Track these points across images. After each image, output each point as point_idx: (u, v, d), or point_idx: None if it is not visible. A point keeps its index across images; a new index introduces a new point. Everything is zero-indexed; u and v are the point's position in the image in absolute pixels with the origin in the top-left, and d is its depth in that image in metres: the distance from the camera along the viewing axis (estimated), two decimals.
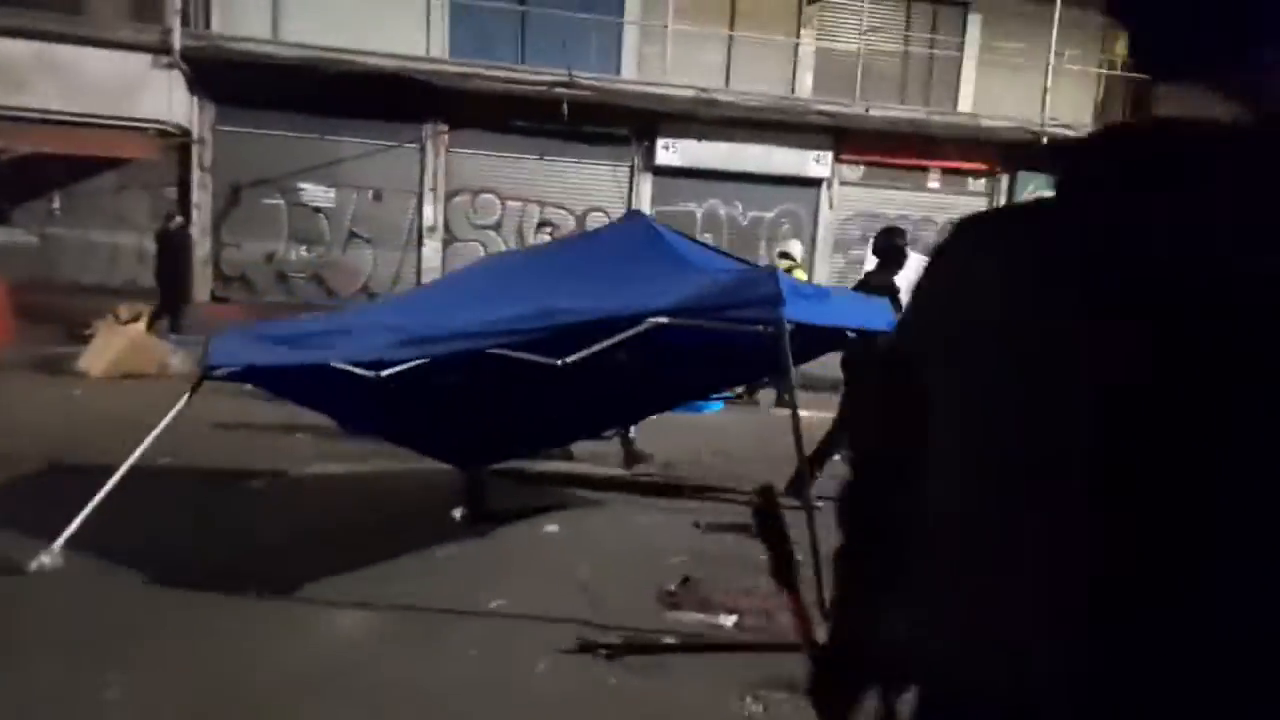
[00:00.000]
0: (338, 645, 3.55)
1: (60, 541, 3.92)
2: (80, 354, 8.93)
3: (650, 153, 13.67)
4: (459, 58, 13.00)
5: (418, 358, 4.21)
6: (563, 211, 13.44)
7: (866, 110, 13.54)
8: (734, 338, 4.54)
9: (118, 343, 8.91)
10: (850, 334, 5.13)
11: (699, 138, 13.46)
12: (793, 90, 14.12)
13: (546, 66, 12.83)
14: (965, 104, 14.63)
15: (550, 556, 4.69)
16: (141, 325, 9.25)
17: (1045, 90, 14.14)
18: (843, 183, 14.25)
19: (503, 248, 13.49)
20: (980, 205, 14.84)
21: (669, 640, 3.68)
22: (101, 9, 12.51)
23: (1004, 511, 0.89)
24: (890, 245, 5.96)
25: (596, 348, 4.30)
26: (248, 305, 12.45)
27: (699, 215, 14.02)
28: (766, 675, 3.33)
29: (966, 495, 0.93)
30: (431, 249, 13.49)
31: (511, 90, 12.69)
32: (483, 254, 13.46)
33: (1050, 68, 14.13)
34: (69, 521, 3.95)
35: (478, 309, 4.24)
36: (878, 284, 5.81)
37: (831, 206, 14.28)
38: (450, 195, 13.54)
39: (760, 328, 4.19)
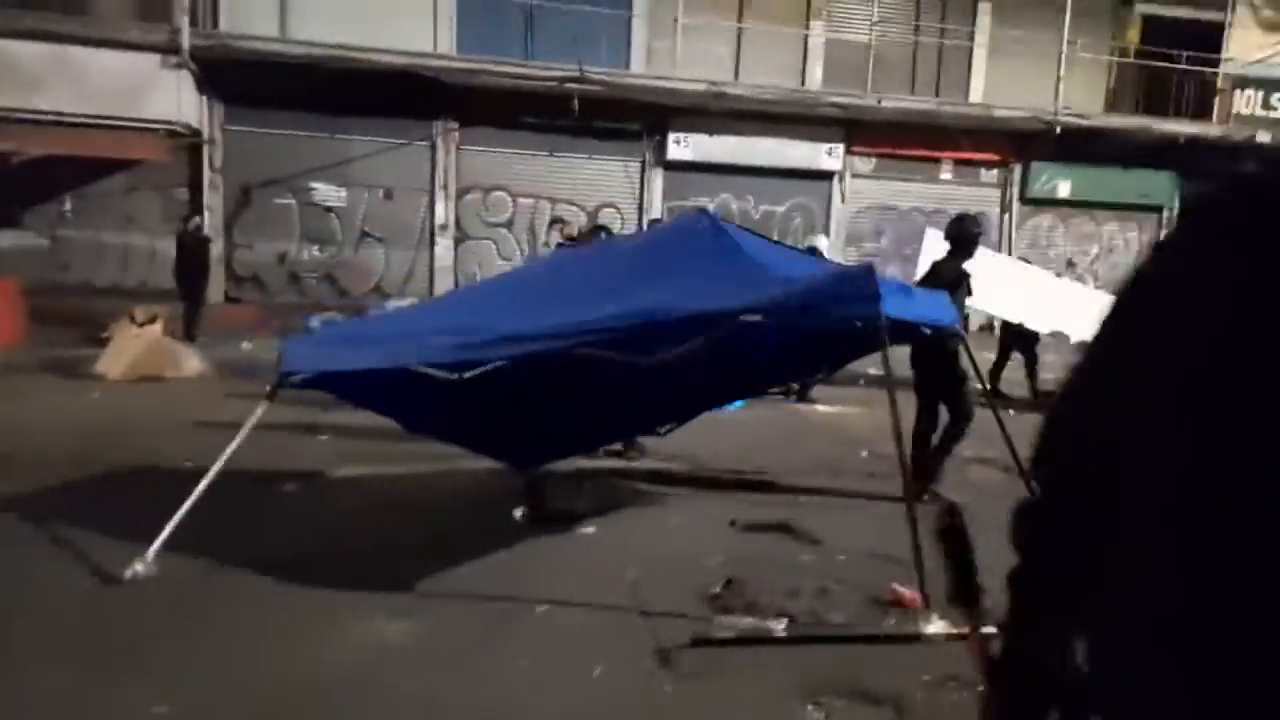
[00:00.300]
0: (397, 653, 3.51)
1: (153, 550, 3.97)
2: (96, 356, 8.88)
3: (661, 147, 13.60)
4: (467, 54, 12.92)
5: (504, 357, 4.21)
6: (573, 208, 13.37)
7: (878, 102, 13.46)
8: (809, 334, 4.73)
9: (135, 345, 8.86)
10: (925, 330, 5.18)
11: (710, 132, 13.39)
12: (803, 82, 14.05)
13: (556, 62, 12.76)
14: (976, 94, 14.56)
15: (593, 558, 4.64)
16: (158, 328, 9.20)
17: (1058, 79, 14.05)
18: (855, 175, 14.18)
19: (514, 245, 13.44)
20: (993, 197, 14.78)
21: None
22: (109, 9, 12.44)
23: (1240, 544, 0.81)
24: (962, 233, 5.93)
25: (691, 345, 4.29)
26: (261, 306, 12.40)
27: (710, 210, 13.93)
28: (826, 678, 3.29)
29: (1193, 525, 0.85)
30: (444, 247, 13.43)
31: (521, 86, 12.62)
32: (495, 252, 13.42)
33: (1063, 56, 14.05)
34: (144, 528, 4.00)
35: (560, 309, 4.21)
36: (949, 272, 5.82)
37: (844, 200, 14.21)
38: (461, 193, 13.47)
39: (856, 324, 4.38)
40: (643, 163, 13.76)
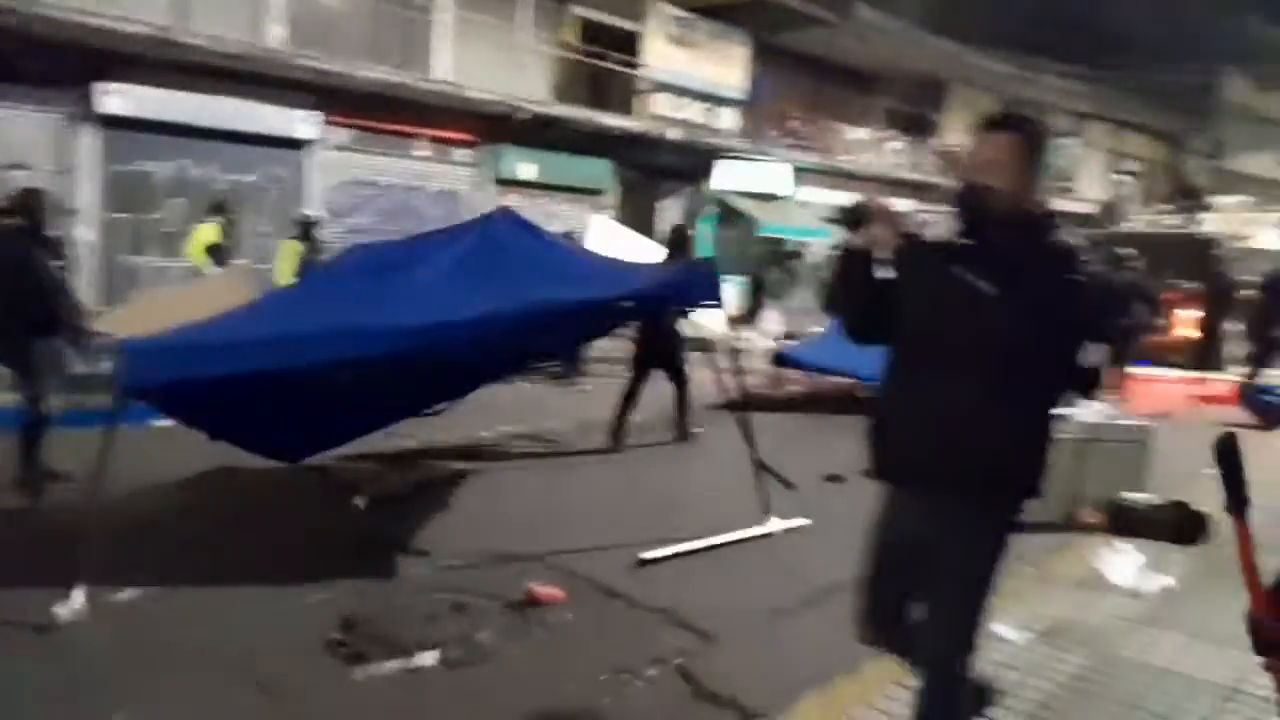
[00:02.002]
0: None
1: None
2: None
3: (89, 99, 11.21)
4: None
5: (384, 354, 4.31)
6: None
7: (353, 71, 12.84)
8: (596, 317, 5.64)
9: None
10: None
11: (160, 85, 11.43)
12: (261, 39, 12.74)
13: None
14: (443, 73, 14.71)
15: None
16: None
17: (521, 67, 14.95)
18: (333, 146, 13.41)
19: None
20: (467, 176, 15.24)
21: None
22: None
23: None
24: (679, 236, 8.28)
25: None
26: None
27: (163, 177, 11.99)
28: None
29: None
30: None
31: None
32: None
33: (521, 46, 14.97)
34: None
35: (420, 307, 4.34)
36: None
37: (322, 172, 13.35)
38: None
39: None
40: (72, 117, 11.21)
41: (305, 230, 9.87)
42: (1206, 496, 6.05)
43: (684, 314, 6.95)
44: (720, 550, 4.86)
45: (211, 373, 4.14)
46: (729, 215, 18.83)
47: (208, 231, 9.82)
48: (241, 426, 5.21)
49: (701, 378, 7.37)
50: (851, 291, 2.43)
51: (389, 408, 5.86)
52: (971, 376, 2.15)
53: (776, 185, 19.58)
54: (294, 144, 13.01)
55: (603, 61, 16.43)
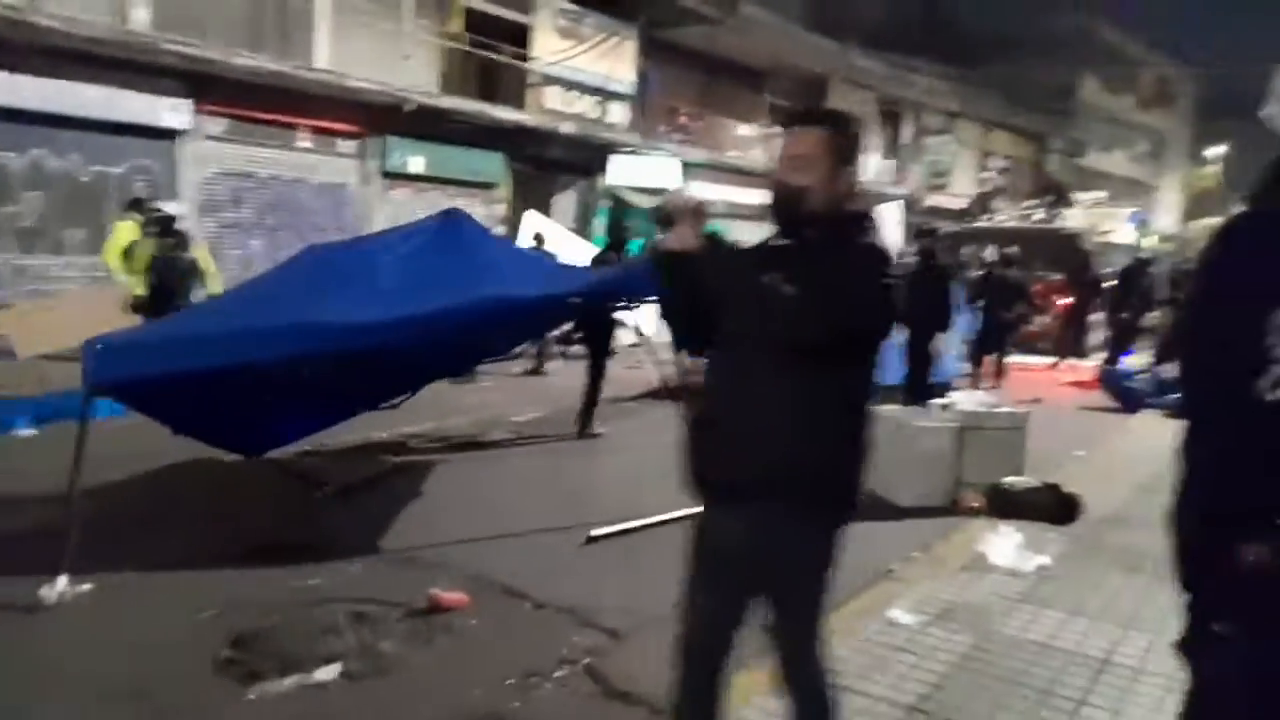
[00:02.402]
0: None
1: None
2: None
3: None
4: None
5: (355, 348, 4.50)
6: None
7: (227, 57, 12.23)
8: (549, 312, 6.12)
9: None
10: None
11: (12, 69, 10.61)
12: (124, 22, 12.00)
13: None
14: (323, 60, 14.19)
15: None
16: None
17: (406, 57, 14.56)
18: (207, 137, 12.73)
19: None
20: (352, 168, 14.76)
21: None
22: None
23: None
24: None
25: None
26: None
27: (18, 168, 11.13)
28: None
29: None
30: None
31: None
32: None
33: (406, 35, 14.58)
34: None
35: (386, 302, 4.38)
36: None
37: (195, 163, 12.67)
38: None
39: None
40: None
41: (163, 226, 9.03)
42: (1076, 478, 6.48)
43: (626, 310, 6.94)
44: (630, 543, 4.89)
45: (174, 368, 4.26)
46: (623, 209, 18.89)
47: (125, 231, 9.19)
48: (202, 421, 5.31)
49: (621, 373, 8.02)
50: (672, 296, 2.32)
51: (345, 402, 6.02)
52: (778, 382, 2.08)
53: (667, 180, 19.76)
54: (163, 134, 12.28)
55: (491, 53, 16.19)
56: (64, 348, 6.96)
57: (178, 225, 8.35)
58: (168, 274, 8.43)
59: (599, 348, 7.80)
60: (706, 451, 2.23)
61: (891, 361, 10.04)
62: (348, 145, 14.64)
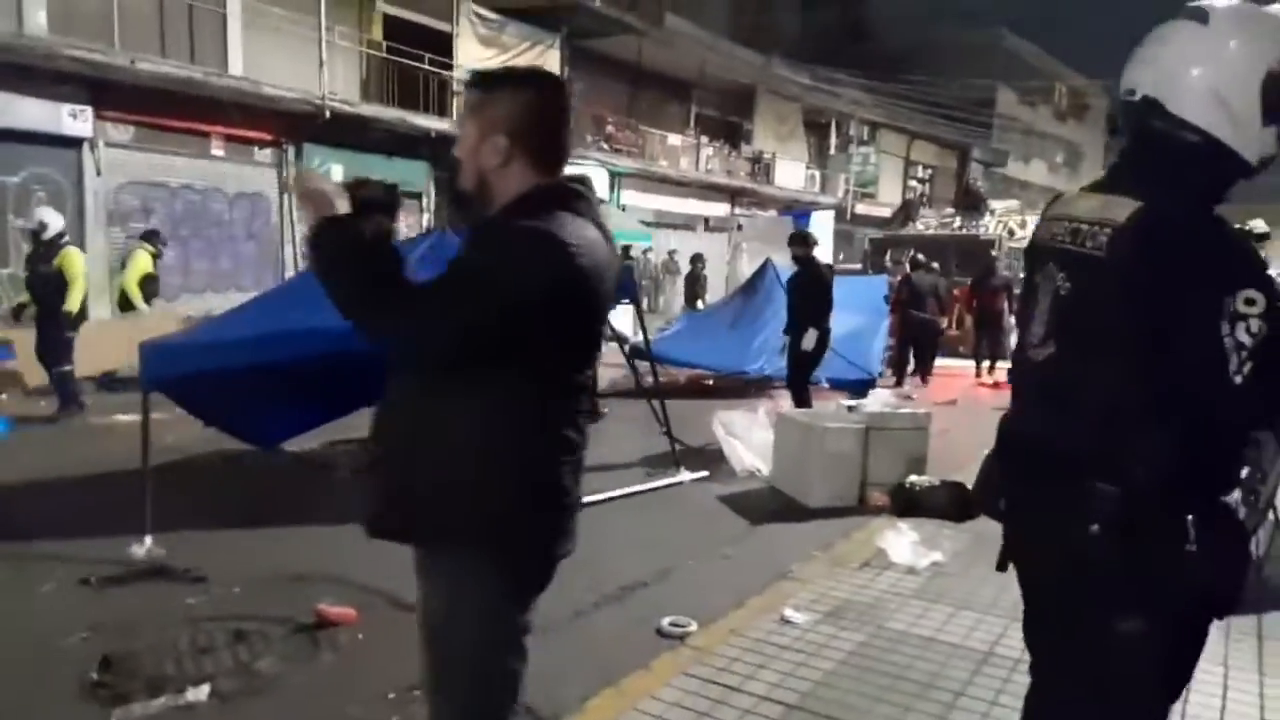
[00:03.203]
0: None
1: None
2: None
3: None
4: None
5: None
6: None
7: (132, 62, 11.86)
8: None
9: None
10: None
11: None
12: (21, 28, 11.55)
13: None
14: (236, 67, 13.87)
15: None
16: None
17: (321, 63, 14.32)
18: (110, 144, 12.31)
19: None
20: (269, 177, 14.43)
21: None
22: None
23: None
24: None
25: None
26: None
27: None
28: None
29: None
30: None
31: None
32: None
33: (323, 41, 14.34)
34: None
35: None
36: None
37: (100, 173, 12.23)
38: None
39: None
40: None
41: (33, 236, 8.27)
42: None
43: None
44: None
45: (211, 366, 4.99)
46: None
47: (144, 261, 9.82)
48: (228, 414, 6.05)
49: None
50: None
51: (347, 398, 6.50)
52: (417, 392, 1.75)
53: (596, 190, 19.78)
54: (66, 142, 11.85)
55: (412, 61, 16.01)
56: None
57: (47, 235, 7.88)
58: (37, 286, 7.95)
59: None
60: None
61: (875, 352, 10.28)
62: (264, 154, 14.32)
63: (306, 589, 4.15)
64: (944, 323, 12.99)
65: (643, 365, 10.18)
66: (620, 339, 8.68)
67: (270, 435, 6.55)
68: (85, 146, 12.04)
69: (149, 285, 9.85)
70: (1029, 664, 1.84)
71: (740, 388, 10.56)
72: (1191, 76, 1.57)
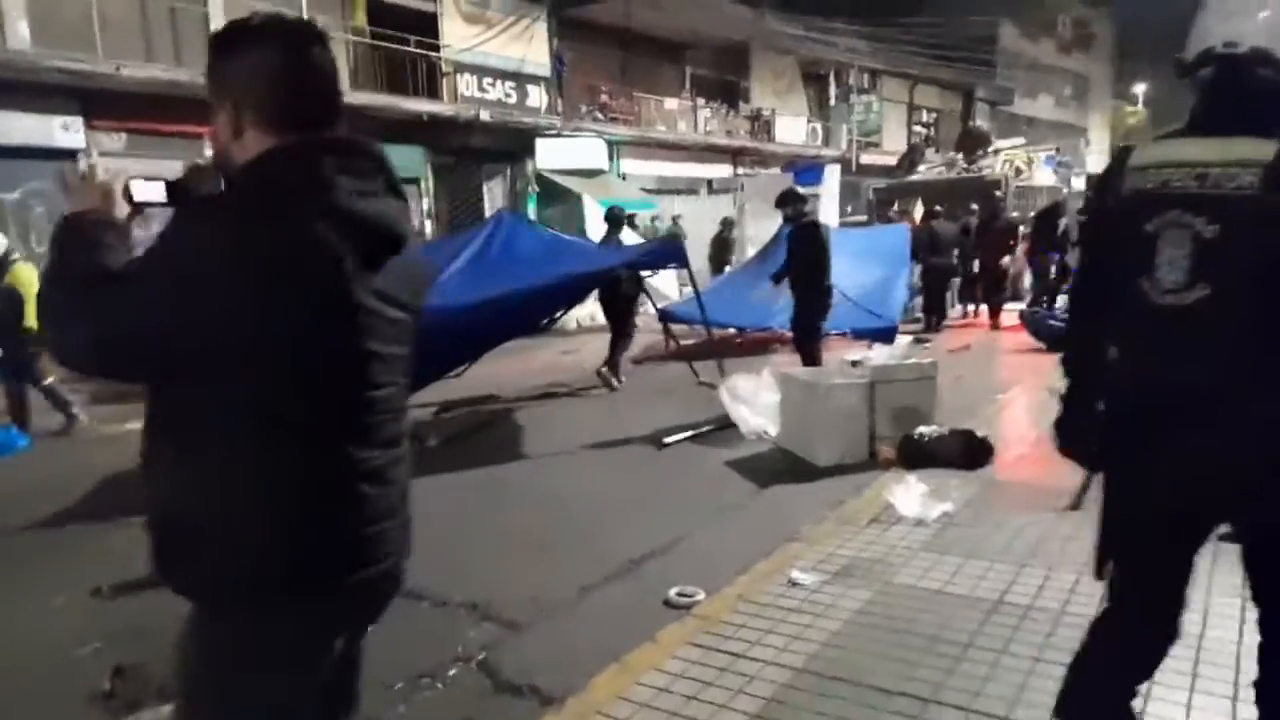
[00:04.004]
0: None
1: None
2: None
3: None
4: None
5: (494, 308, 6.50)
6: None
7: (117, 69, 11.82)
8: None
9: None
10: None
11: None
12: (4, 42, 11.53)
13: None
14: None
15: None
16: None
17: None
18: (103, 153, 12.31)
19: None
20: None
21: None
22: None
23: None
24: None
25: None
26: None
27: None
28: None
29: None
30: None
31: None
32: None
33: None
34: None
35: (504, 281, 6.66)
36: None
37: None
38: None
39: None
40: None
41: None
42: (991, 421, 6.54)
43: (641, 279, 9.20)
44: (541, 536, 4.82)
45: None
46: (553, 193, 18.73)
47: None
48: None
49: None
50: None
51: (439, 365, 7.12)
52: (150, 419, 1.48)
53: (595, 160, 19.62)
54: (60, 154, 11.85)
55: (399, 45, 15.86)
56: None
57: None
58: None
59: (618, 316, 9.26)
60: None
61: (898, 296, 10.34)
62: None
63: None
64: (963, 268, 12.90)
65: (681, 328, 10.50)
66: (652, 301, 9.92)
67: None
68: (79, 158, 12.03)
69: None
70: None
71: (768, 340, 11.23)
72: None
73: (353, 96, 14.83)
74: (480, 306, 6.19)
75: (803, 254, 7.65)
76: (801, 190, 8.40)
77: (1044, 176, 16.19)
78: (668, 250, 8.90)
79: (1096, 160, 43.72)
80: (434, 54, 16.44)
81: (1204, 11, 1.93)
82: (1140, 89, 51.73)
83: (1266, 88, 1.77)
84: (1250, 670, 2.12)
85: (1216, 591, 3.35)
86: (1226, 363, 1.76)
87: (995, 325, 12.30)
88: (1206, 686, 2.81)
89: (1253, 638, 3.05)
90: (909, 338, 10.37)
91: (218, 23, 13.55)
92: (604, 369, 9.04)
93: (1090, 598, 3.48)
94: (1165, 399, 1.82)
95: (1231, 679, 2.81)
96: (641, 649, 3.28)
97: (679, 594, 3.79)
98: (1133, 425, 1.90)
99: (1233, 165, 1.73)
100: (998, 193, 14.14)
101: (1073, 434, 2.07)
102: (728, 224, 17.14)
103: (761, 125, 25.47)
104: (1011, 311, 12.13)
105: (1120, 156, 1.95)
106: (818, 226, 7.86)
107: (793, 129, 26.65)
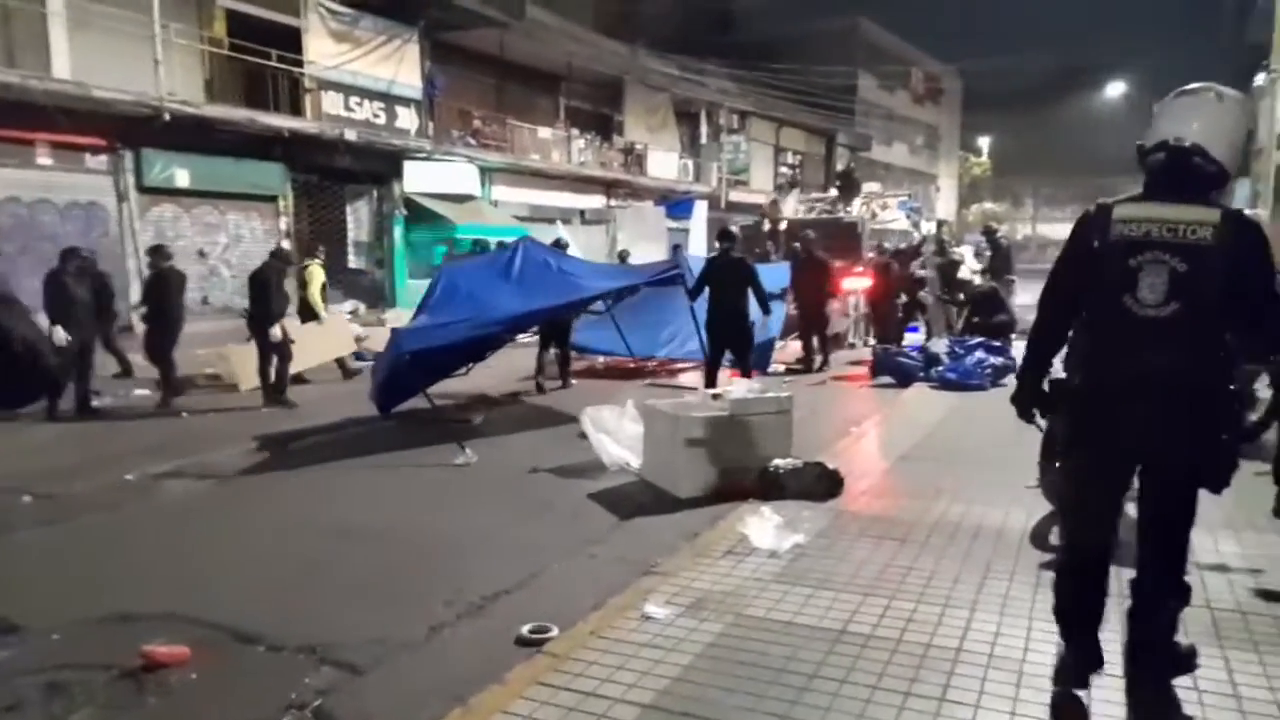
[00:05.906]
0: None
1: None
2: None
3: None
4: None
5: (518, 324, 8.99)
6: None
7: None
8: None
9: None
10: None
11: None
12: None
13: None
14: (63, 70, 12.88)
15: None
16: None
17: (156, 63, 13.45)
18: None
19: None
20: (106, 185, 13.48)
21: None
22: None
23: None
24: None
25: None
26: None
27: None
28: None
29: None
30: None
31: None
32: None
33: (158, 39, 13.48)
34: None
35: (520, 299, 8.18)
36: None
37: None
38: None
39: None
40: None
41: None
42: (844, 454, 6.78)
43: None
44: (393, 575, 4.63)
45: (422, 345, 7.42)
46: (420, 217, 18.35)
47: (320, 272, 11.31)
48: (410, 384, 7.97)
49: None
50: None
51: (450, 367, 9.01)
52: None
53: (467, 185, 19.38)
54: None
55: (260, 59, 15.25)
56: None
57: None
58: None
59: (561, 331, 10.39)
60: None
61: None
62: (98, 160, 13.37)
63: (134, 629, 3.85)
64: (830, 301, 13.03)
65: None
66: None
67: (395, 403, 8.33)
68: None
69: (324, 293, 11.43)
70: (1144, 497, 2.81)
71: (653, 370, 12.01)
72: (1222, 133, 2.70)
73: (206, 109, 14.16)
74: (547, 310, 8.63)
75: (746, 282, 8.64)
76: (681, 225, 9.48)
77: (897, 220, 17.05)
78: (678, 267, 9.50)
79: (945, 206, 46.66)
80: (296, 69, 15.89)
81: (1159, 117, 2.77)
82: (985, 141, 55.75)
83: (1200, 170, 2.67)
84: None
85: (1037, 616, 3.55)
86: (1186, 353, 2.61)
87: (823, 367, 11.98)
88: (1026, 710, 2.95)
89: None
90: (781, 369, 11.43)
91: (58, 23, 12.70)
92: (562, 377, 10.42)
93: (927, 625, 3.63)
94: (1138, 377, 2.66)
95: (1048, 701, 2.96)
96: (488, 690, 3.18)
97: (532, 631, 3.72)
98: (1108, 394, 2.74)
99: (1193, 224, 2.59)
100: (859, 233, 14.78)
101: (1026, 401, 3.00)
102: (625, 255, 16.62)
103: (634, 159, 25.84)
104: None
105: (1104, 211, 2.73)
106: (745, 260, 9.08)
107: (665, 164, 27.17)
